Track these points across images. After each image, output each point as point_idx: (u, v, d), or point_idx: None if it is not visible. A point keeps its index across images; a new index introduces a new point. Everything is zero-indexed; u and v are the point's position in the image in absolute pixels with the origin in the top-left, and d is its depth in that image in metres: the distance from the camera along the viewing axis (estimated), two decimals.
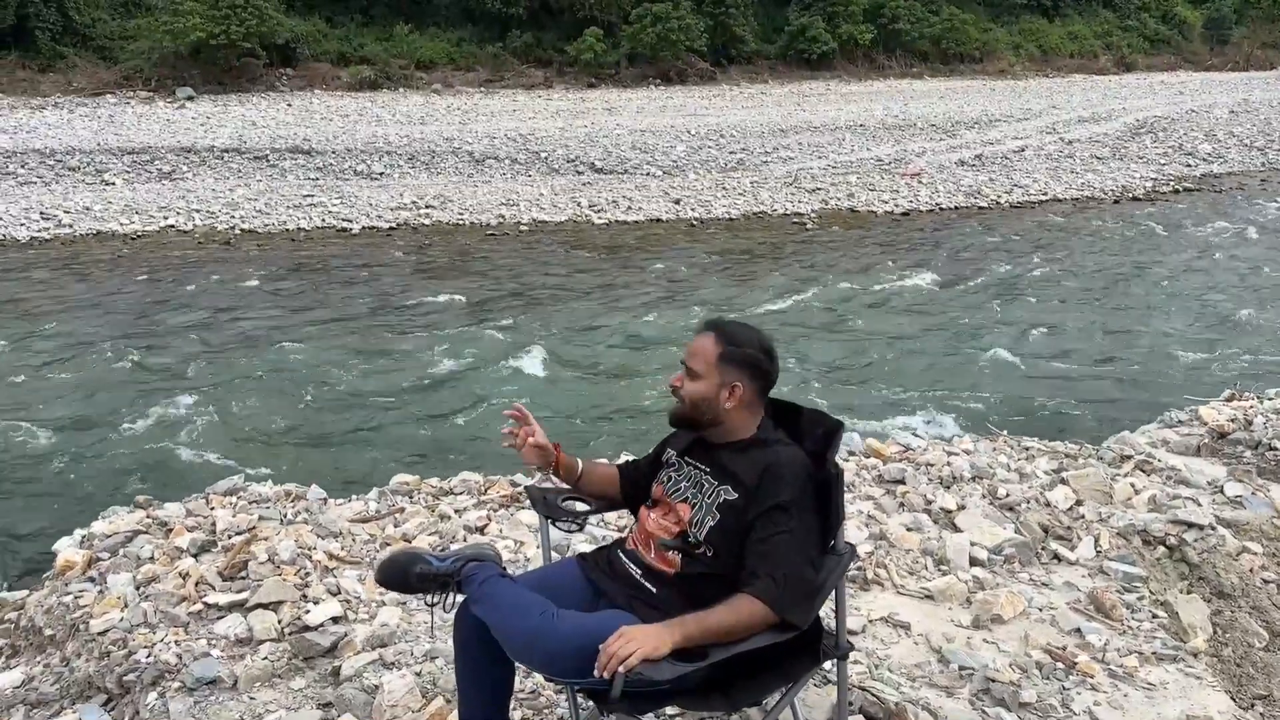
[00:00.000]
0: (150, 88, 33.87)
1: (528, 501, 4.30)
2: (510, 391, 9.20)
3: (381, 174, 21.24)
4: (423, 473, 5.04)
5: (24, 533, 6.10)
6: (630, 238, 16.51)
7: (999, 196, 19.66)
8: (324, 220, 17.30)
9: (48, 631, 3.52)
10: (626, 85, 40.72)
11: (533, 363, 10.13)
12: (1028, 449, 5.31)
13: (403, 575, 2.50)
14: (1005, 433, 5.76)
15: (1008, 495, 4.50)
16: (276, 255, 15.24)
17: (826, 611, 2.49)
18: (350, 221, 17.15)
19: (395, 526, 4.16)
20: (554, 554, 3.06)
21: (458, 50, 39.90)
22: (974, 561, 3.96)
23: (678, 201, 18.71)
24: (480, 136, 25.47)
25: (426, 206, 18.09)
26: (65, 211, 17.62)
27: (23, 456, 7.62)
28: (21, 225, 16.83)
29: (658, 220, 17.62)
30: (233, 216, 17.40)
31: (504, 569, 2.50)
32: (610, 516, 4.05)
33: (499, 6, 40.06)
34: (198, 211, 17.71)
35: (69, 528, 4.34)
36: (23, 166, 21.01)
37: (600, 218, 17.65)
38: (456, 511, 4.36)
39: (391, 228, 17.00)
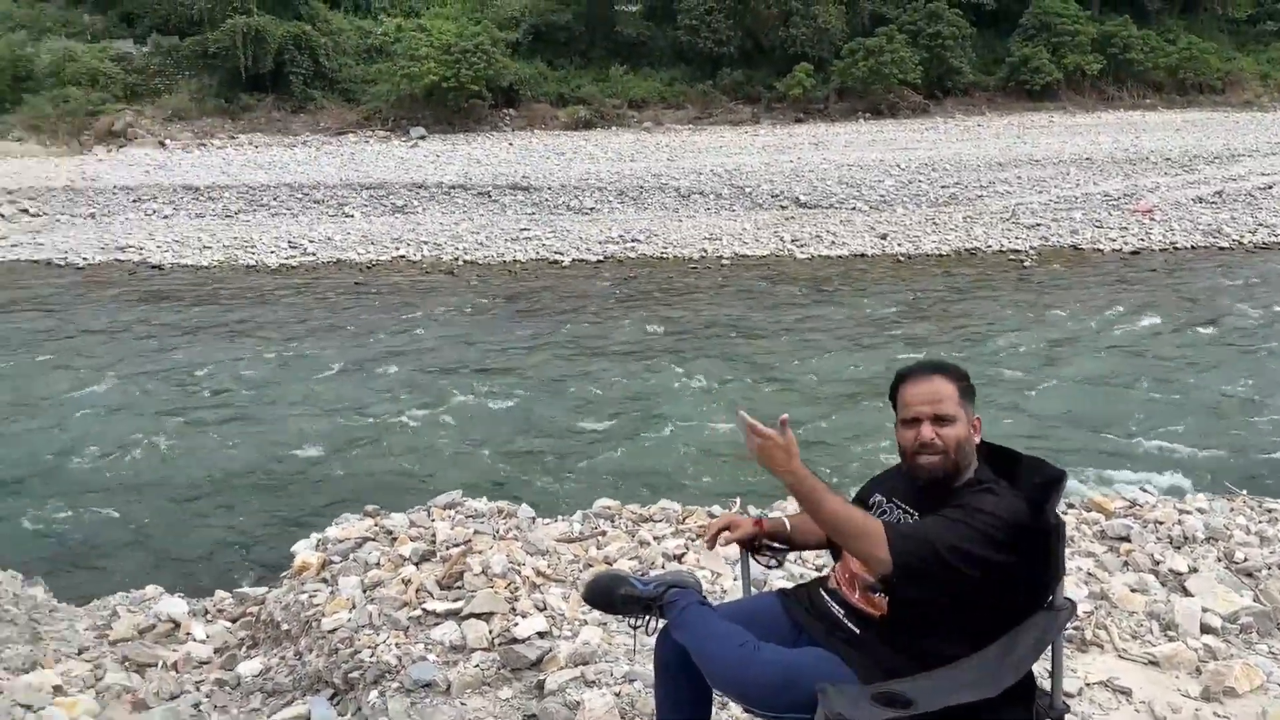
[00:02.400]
0: (387, 127, 36.62)
1: None
2: (707, 425, 9.27)
3: (592, 209, 21.99)
4: (623, 498, 5.17)
5: (266, 534, 6.70)
6: (832, 272, 16.32)
7: (1242, 236, 18.12)
8: (538, 253, 18.07)
9: (285, 626, 3.85)
10: (834, 119, 40.43)
11: (730, 397, 10.18)
12: (1270, 511, 4.86)
13: (607, 596, 2.58)
14: (1244, 492, 5.30)
15: (1246, 560, 4.13)
16: (495, 285, 16.05)
17: (1041, 670, 2.38)
18: (561, 254, 17.84)
19: (598, 549, 4.29)
20: (751, 588, 3.06)
21: (669, 89, 40.90)
22: (1205, 629, 3.66)
23: (884, 236, 18.35)
24: (687, 172, 25.93)
25: (633, 240, 18.57)
26: (310, 241, 19.28)
27: (265, 463, 8.36)
28: (272, 253, 18.54)
29: (861, 255, 17.34)
30: (456, 248, 18.48)
31: (704, 598, 2.53)
32: (809, 554, 4.02)
33: (711, 46, 40.81)
34: (425, 243, 18.92)
35: (306, 531, 4.73)
36: (275, 199, 23.16)
37: (802, 252, 17.56)
38: (655, 539, 4.45)
39: (599, 260, 17.55)
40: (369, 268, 17.62)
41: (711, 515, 4.84)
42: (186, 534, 6.82)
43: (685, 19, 40.98)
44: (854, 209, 21.21)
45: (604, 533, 4.47)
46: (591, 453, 8.60)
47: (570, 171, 26.27)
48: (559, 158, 29.86)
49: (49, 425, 9.57)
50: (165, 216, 22.09)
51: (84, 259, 18.31)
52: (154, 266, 17.86)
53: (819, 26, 41.42)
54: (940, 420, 2.32)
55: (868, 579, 2.39)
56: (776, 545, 2.79)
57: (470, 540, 4.19)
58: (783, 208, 21.62)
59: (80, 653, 4.16)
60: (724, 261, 17.14)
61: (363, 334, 13.04)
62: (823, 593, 2.51)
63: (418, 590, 3.77)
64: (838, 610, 2.43)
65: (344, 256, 18.27)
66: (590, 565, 4.09)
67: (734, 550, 4.09)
